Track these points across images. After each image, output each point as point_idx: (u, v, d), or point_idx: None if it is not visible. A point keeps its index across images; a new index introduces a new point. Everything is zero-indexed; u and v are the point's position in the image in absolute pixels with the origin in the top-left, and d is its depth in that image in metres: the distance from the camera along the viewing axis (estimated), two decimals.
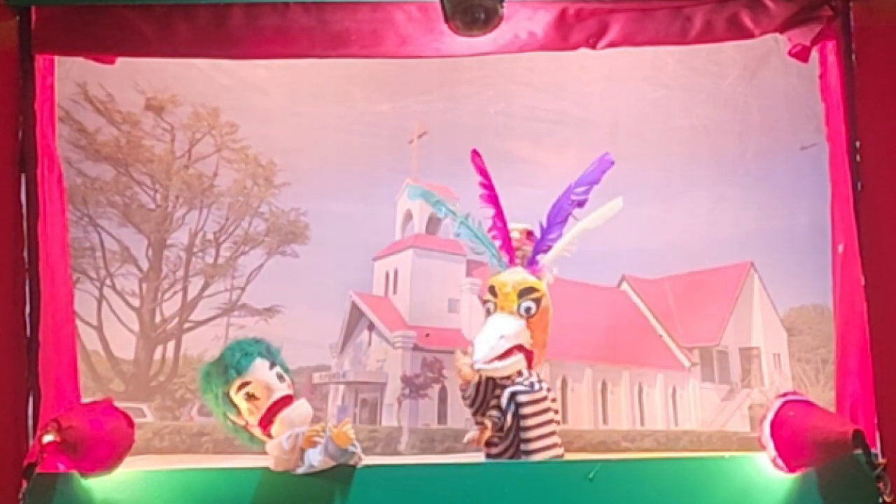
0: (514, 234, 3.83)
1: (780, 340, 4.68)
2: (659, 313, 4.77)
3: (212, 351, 4.53)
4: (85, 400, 3.70)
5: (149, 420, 4.49)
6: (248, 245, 4.71)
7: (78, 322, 4.07)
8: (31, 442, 3.39)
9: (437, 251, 4.84)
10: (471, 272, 4.83)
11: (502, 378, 3.65)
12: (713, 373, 4.74)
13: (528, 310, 3.69)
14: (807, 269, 4.38)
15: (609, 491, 3.48)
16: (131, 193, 4.63)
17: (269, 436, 3.46)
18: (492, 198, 3.86)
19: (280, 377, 3.51)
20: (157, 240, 4.67)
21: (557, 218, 3.81)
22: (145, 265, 4.65)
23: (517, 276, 3.74)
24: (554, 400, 3.68)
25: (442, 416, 4.57)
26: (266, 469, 3.46)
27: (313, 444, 3.39)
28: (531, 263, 3.79)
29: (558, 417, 3.71)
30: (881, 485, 3.29)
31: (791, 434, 3.44)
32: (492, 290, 3.73)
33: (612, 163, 3.84)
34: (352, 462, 3.46)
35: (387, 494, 3.46)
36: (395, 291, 4.75)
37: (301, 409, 3.49)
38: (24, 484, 3.19)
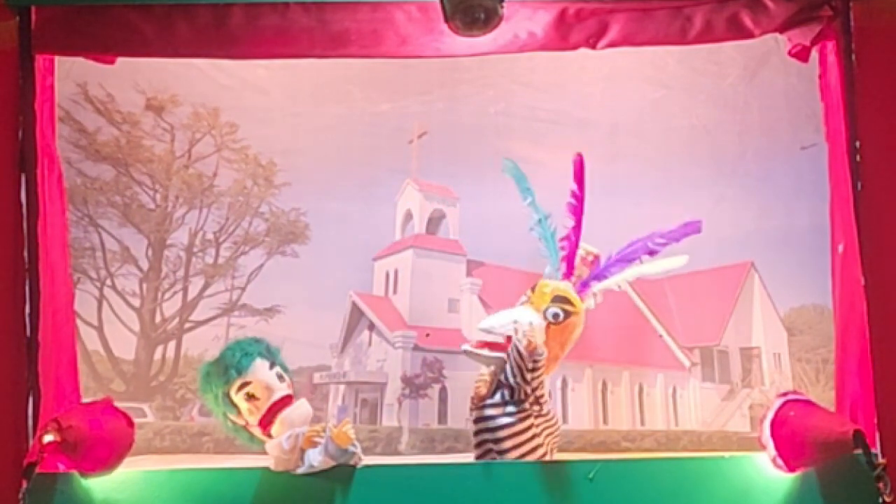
0: (581, 253, 3.83)
1: (781, 340, 4.68)
2: (659, 313, 4.77)
3: (212, 351, 4.52)
4: (85, 400, 3.71)
5: (149, 420, 4.49)
6: (249, 245, 4.71)
7: (78, 322, 4.07)
8: (31, 442, 3.39)
9: (437, 251, 4.84)
10: (471, 272, 4.83)
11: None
12: (713, 373, 4.74)
13: (555, 315, 3.66)
14: (807, 269, 4.38)
15: (609, 491, 3.48)
16: (131, 193, 4.63)
17: (270, 436, 3.46)
18: (577, 210, 3.85)
19: (280, 377, 3.51)
20: (158, 240, 4.67)
21: (628, 256, 3.83)
22: (145, 265, 4.66)
23: (562, 284, 3.74)
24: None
25: (442, 416, 4.58)
26: (266, 469, 3.46)
27: (313, 445, 3.39)
28: (583, 286, 3.79)
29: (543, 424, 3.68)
30: (881, 485, 3.28)
31: (791, 434, 3.44)
32: (534, 287, 3.73)
33: (699, 230, 3.85)
34: (352, 462, 3.46)
35: (387, 494, 3.46)
36: (395, 291, 4.75)
37: (301, 409, 3.49)
38: (24, 484, 3.19)
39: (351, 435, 3.41)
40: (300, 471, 3.42)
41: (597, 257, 3.84)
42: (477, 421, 3.64)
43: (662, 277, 4.69)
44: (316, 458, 3.41)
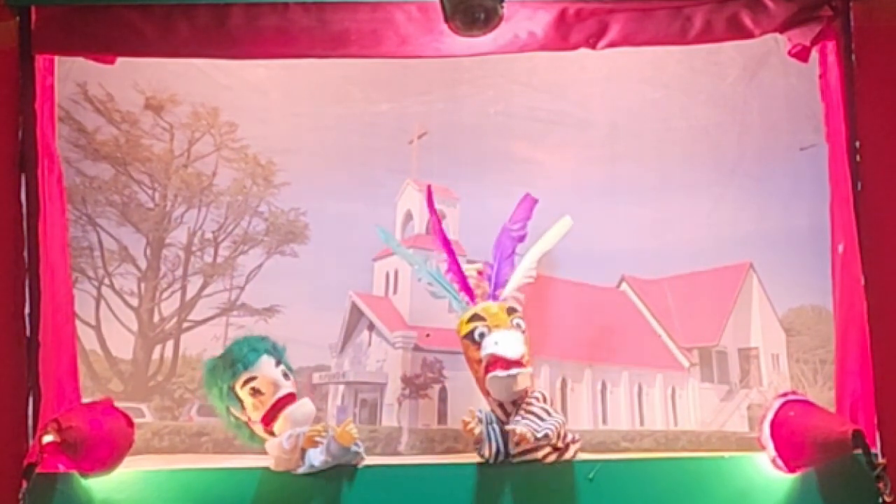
0: (471, 275, 3.88)
1: (779, 341, 4.68)
2: (658, 313, 4.76)
3: (211, 351, 4.52)
4: (84, 400, 3.71)
5: (148, 420, 4.48)
6: (248, 244, 4.70)
7: (76, 322, 4.06)
8: (31, 442, 3.40)
9: (438, 252, 4.83)
10: None
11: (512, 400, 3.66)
12: (712, 373, 4.73)
13: (518, 325, 3.75)
14: (806, 269, 4.38)
15: (609, 491, 3.49)
16: (130, 192, 4.61)
17: (271, 433, 3.47)
18: (443, 240, 3.95)
19: (285, 375, 3.53)
20: (156, 239, 4.65)
21: (503, 254, 3.92)
22: (144, 264, 4.64)
23: (491, 302, 3.81)
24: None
25: (442, 417, 4.56)
26: (266, 469, 3.46)
27: (314, 445, 3.40)
28: (492, 299, 3.83)
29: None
30: (881, 485, 3.30)
31: (791, 434, 3.45)
32: (476, 316, 3.76)
33: (536, 200, 3.97)
34: (354, 462, 3.46)
35: (387, 494, 3.47)
36: (395, 292, 4.74)
37: (305, 407, 3.51)
38: (24, 484, 3.20)
39: (354, 434, 3.42)
40: (300, 471, 3.43)
41: (480, 271, 3.89)
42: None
43: (662, 277, 4.72)
44: (317, 458, 3.42)
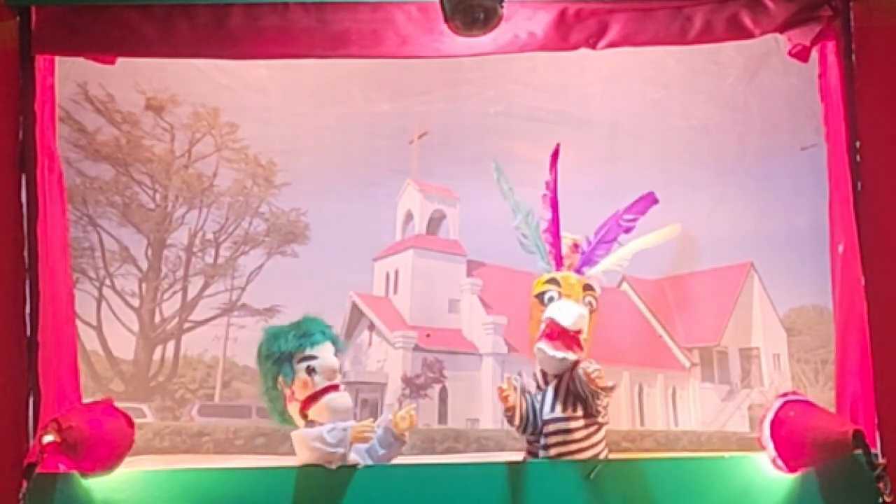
0: (567, 243, 3.88)
1: (780, 341, 4.68)
2: (659, 313, 4.77)
3: (212, 351, 4.55)
4: (85, 400, 3.71)
5: (149, 420, 4.49)
6: (248, 245, 4.71)
7: (77, 322, 4.06)
8: (31, 442, 3.40)
9: (438, 252, 4.84)
10: (471, 272, 4.83)
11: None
12: (713, 373, 4.74)
13: (590, 303, 3.77)
14: (806, 269, 4.39)
15: (609, 491, 3.48)
16: (131, 193, 4.62)
17: (304, 416, 3.47)
18: (553, 202, 3.88)
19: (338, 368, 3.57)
20: (157, 239, 4.66)
21: (606, 237, 3.92)
22: (145, 265, 4.65)
23: (577, 275, 3.82)
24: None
25: (442, 417, 4.57)
26: (266, 469, 3.47)
27: (364, 440, 3.41)
28: (576, 272, 3.85)
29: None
30: (881, 485, 3.29)
31: (791, 434, 3.44)
32: (553, 280, 3.77)
33: (657, 201, 3.95)
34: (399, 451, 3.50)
35: (387, 494, 3.46)
36: (395, 292, 4.75)
37: (345, 399, 3.54)
38: (24, 484, 3.19)
39: (414, 418, 3.46)
40: (335, 465, 3.44)
41: (577, 244, 3.88)
42: (551, 434, 3.66)
43: (663, 277, 4.72)
44: (360, 454, 3.44)
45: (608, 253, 3.91)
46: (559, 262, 3.85)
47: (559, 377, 3.68)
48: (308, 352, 3.51)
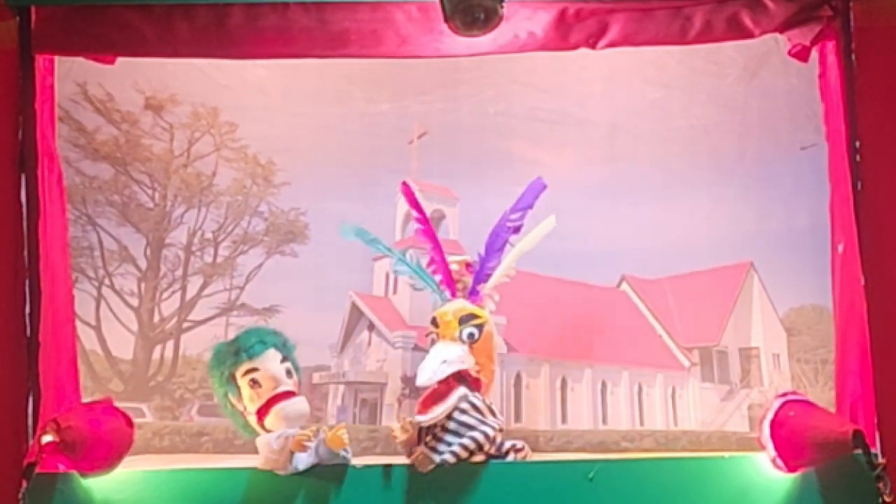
0: (454, 267, 3.83)
1: (780, 341, 4.68)
2: (659, 313, 4.77)
3: (211, 351, 4.54)
4: (84, 400, 3.71)
5: (148, 420, 4.49)
6: (248, 244, 4.71)
7: (77, 322, 4.06)
8: (30, 442, 3.39)
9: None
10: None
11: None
12: (713, 373, 4.74)
13: (470, 335, 3.65)
14: (806, 269, 4.39)
15: (609, 491, 3.48)
16: (130, 192, 4.62)
17: (263, 426, 3.46)
18: (427, 232, 3.86)
19: (289, 373, 3.53)
20: (156, 239, 4.66)
21: (495, 245, 3.80)
22: (144, 264, 4.65)
23: (457, 304, 3.72)
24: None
25: None
26: (266, 469, 3.46)
27: (303, 448, 3.38)
28: (472, 294, 3.77)
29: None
30: (881, 485, 3.29)
31: (791, 434, 3.44)
32: (434, 321, 3.71)
33: (545, 186, 3.83)
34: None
35: (386, 494, 3.46)
36: (395, 292, 4.75)
37: (298, 405, 3.49)
38: (24, 484, 3.19)
39: (345, 440, 3.41)
40: (285, 472, 3.42)
41: (469, 263, 3.83)
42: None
43: (663, 277, 4.72)
44: (303, 462, 3.41)
45: (500, 263, 3.81)
46: (452, 288, 3.80)
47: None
48: (248, 365, 3.47)
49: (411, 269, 3.88)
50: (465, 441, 3.51)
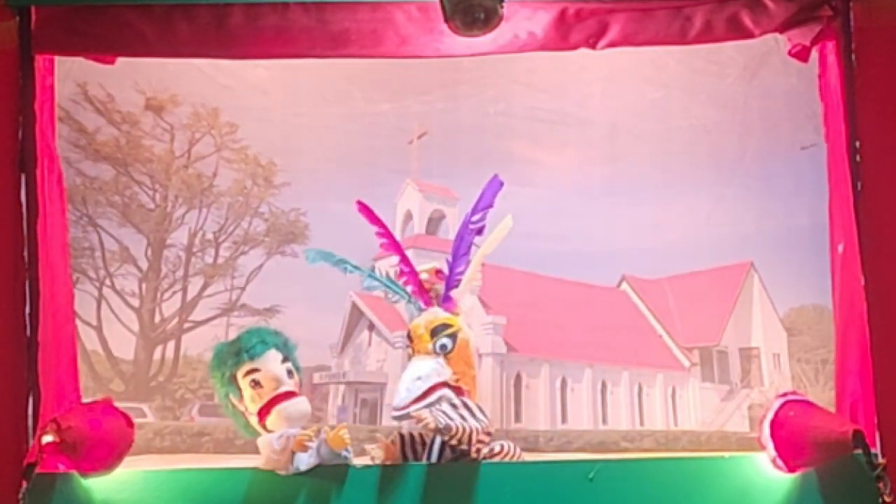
0: (424, 276, 3.80)
1: (780, 340, 4.68)
2: (659, 313, 4.77)
3: (211, 352, 4.54)
4: (85, 400, 3.70)
5: (149, 420, 4.49)
6: (248, 245, 4.71)
7: (77, 322, 4.07)
8: (31, 442, 3.39)
9: (438, 251, 4.83)
10: None
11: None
12: (713, 373, 4.74)
13: (443, 347, 3.61)
14: (806, 269, 4.39)
15: (609, 491, 3.48)
16: (131, 193, 4.63)
17: (265, 427, 3.46)
18: (392, 245, 3.83)
19: (290, 373, 3.53)
20: (157, 239, 4.67)
21: (461, 250, 3.75)
22: (145, 265, 4.65)
23: (429, 315, 3.68)
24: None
25: None
26: (266, 469, 3.46)
27: (304, 448, 3.38)
28: (445, 301, 3.73)
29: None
30: (881, 485, 3.29)
31: (791, 434, 3.43)
32: (408, 336, 3.68)
33: (502, 184, 3.79)
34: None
35: (386, 494, 3.46)
36: None
37: (300, 405, 3.49)
38: (24, 484, 3.19)
39: (346, 440, 3.41)
40: (287, 472, 3.42)
41: (439, 270, 3.81)
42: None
43: (663, 277, 4.72)
44: (304, 462, 3.41)
45: (468, 266, 3.75)
46: (425, 297, 3.76)
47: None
48: (249, 365, 3.47)
49: (382, 283, 3.85)
50: (453, 425, 3.48)
